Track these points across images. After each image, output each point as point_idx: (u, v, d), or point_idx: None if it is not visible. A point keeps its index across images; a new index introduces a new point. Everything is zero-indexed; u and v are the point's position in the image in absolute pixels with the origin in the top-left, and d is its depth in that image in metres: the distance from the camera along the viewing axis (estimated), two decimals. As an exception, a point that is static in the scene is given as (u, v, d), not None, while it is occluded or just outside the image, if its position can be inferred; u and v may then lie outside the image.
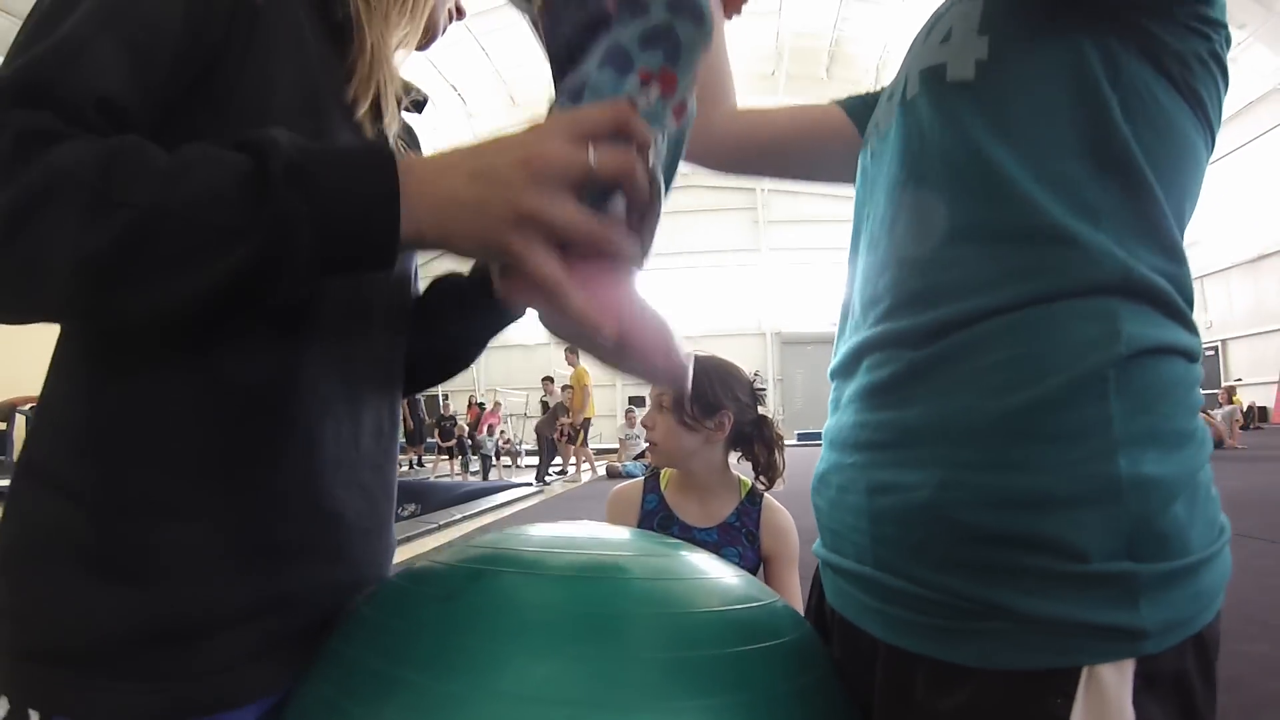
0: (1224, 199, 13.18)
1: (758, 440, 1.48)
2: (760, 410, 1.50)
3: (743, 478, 1.52)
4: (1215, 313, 14.04)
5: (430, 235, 0.41)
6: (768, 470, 1.50)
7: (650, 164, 0.43)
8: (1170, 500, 0.44)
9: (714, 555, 0.62)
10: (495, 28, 12.25)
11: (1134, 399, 0.44)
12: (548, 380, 10.71)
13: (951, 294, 0.48)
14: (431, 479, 10.44)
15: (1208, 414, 9.22)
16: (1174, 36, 0.47)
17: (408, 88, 0.64)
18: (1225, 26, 0.48)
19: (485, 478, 10.38)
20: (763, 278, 20.35)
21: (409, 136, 0.67)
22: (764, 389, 1.55)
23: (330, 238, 0.39)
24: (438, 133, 14.98)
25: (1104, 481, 0.43)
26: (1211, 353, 14.31)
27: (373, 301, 0.57)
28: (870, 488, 0.52)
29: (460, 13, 0.73)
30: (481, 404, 12.77)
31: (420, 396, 10.70)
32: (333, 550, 0.54)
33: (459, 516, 5.47)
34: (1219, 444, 9.04)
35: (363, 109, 0.54)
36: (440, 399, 13.56)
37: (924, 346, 0.49)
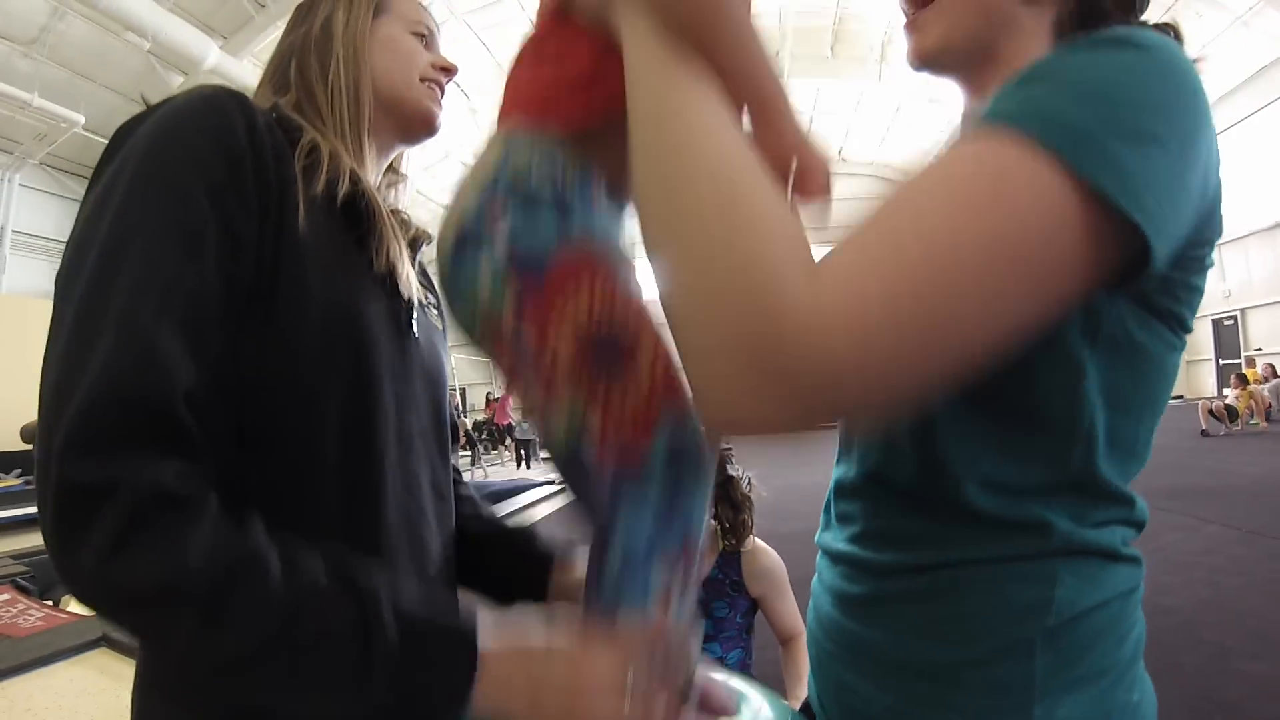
0: (1239, 166, 12.93)
1: (722, 500, 1.49)
2: (729, 471, 1.52)
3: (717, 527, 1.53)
4: (1233, 281, 13.81)
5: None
6: (735, 530, 1.51)
7: (682, 670, 0.48)
8: None
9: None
10: (496, 22, 12.20)
11: (1058, 657, 0.49)
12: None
13: (909, 542, 0.54)
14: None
15: (1248, 385, 9.01)
16: (1168, 274, 0.46)
17: (410, 230, 0.74)
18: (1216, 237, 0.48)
19: (528, 465, 10.45)
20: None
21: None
22: (730, 448, 1.55)
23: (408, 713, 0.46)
24: (441, 127, 14.92)
25: None
26: (1231, 322, 14.11)
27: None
28: (839, 683, 0.59)
29: (449, 71, 0.79)
30: (499, 398, 12.83)
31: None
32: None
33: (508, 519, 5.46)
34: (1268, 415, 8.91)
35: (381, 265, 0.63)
36: (459, 393, 13.64)
37: (885, 579, 0.55)
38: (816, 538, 0.66)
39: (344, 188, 0.60)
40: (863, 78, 14.15)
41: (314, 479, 0.54)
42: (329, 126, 0.67)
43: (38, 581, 4.32)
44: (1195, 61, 0.45)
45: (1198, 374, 15.34)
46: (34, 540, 5.02)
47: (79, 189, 11.82)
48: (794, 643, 1.56)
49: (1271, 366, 9.71)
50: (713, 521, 1.51)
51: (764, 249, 0.34)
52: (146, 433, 0.43)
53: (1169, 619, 2.66)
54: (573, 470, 0.49)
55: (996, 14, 0.56)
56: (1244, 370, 9.50)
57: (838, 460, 0.64)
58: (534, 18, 0.53)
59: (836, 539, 0.61)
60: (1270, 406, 8.87)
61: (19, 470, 9.51)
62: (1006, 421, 0.49)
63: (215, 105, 0.54)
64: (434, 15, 0.83)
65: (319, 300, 0.55)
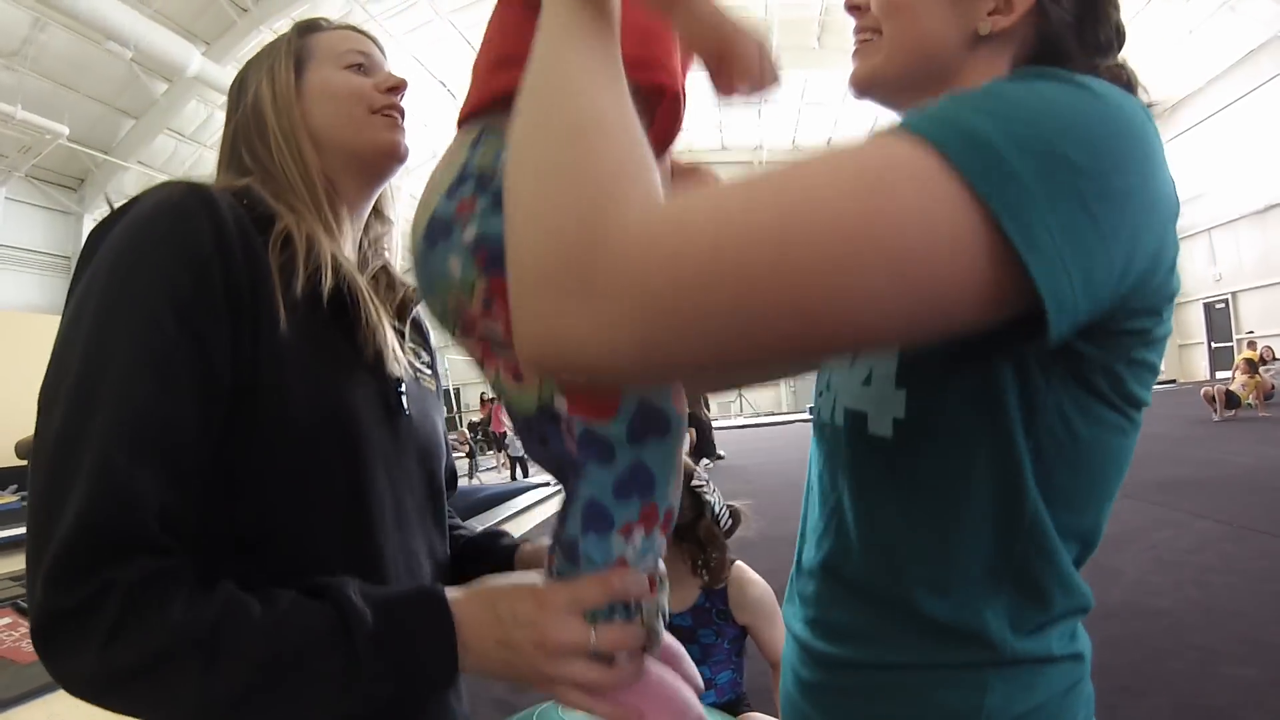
0: (1229, 150, 12.96)
1: (688, 539, 1.46)
2: (702, 501, 1.47)
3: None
4: (1224, 265, 13.87)
5: (475, 674, 0.53)
6: (708, 569, 1.48)
7: (648, 608, 0.52)
8: None
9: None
10: (480, 20, 12.08)
11: None
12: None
13: (853, 638, 0.55)
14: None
15: (1257, 373, 8.89)
16: (1104, 349, 0.45)
17: (399, 294, 0.74)
18: (1169, 305, 0.46)
19: (524, 474, 10.44)
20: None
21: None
22: (702, 485, 1.51)
23: (406, 691, 0.51)
24: (429, 129, 14.85)
25: None
26: (1222, 305, 14.17)
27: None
28: None
29: (398, 89, 0.74)
30: (494, 399, 12.81)
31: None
32: None
33: (479, 529, 5.47)
34: (1268, 398, 8.82)
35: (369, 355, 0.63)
36: (453, 393, 13.63)
37: (830, 671, 0.56)
38: (783, 607, 0.67)
39: (326, 281, 0.59)
40: (850, 68, 14.10)
41: (316, 574, 0.54)
42: (297, 199, 0.66)
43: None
44: (1149, 109, 0.44)
45: (1190, 357, 15.42)
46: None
47: (66, 200, 11.78)
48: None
49: (1270, 349, 9.68)
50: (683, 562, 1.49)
51: (609, 175, 0.34)
52: (121, 554, 0.46)
53: (1157, 622, 2.67)
54: (540, 432, 0.52)
55: (940, 54, 0.56)
56: (1245, 354, 9.33)
57: (800, 535, 0.65)
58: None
59: (795, 617, 0.62)
60: (1273, 389, 8.84)
61: (15, 486, 9.45)
62: (947, 515, 0.49)
63: (180, 213, 0.53)
64: (368, 38, 0.78)
65: (303, 401, 0.56)
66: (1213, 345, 14.62)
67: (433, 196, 0.49)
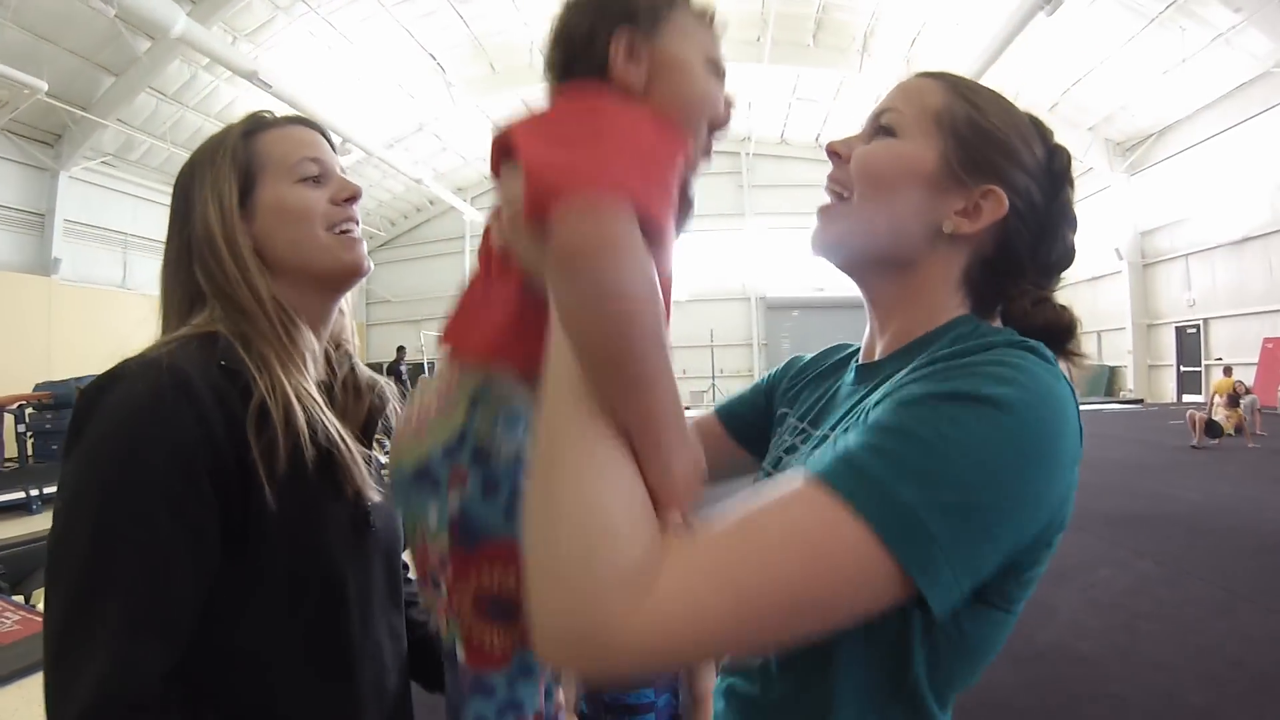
0: (1211, 179, 13.11)
1: None
2: None
3: None
4: (1199, 291, 14.09)
5: None
6: None
7: None
8: None
9: None
10: (422, 14, 12.03)
11: None
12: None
13: None
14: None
15: (1239, 404, 8.88)
16: (996, 581, 0.48)
17: (365, 400, 0.79)
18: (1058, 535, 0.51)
19: None
20: (748, 242, 20.29)
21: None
22: None
23: None
24: (416, 99, 14.63)
25: None
26: (1194, 330, 14.42)
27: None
28: None
29: (353, 199, 0.74)
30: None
31: (408, 379, 10.72)
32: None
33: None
34: (1238, 431, 8.70)
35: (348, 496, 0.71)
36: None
37: None
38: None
39: (307, 450, 0.65)
40: (844, 67, 14.04)
41: (292, 676, 0.66)
42: (259, 333, 0.68)
43: (8, 577, 4.22)
44: (1066, 379, 0.49)
45: (1159, 379, 15.70)
46: (4, 531, 4.95)
47: (42, 156, 11.49)
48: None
49: (1243, 383, 9.78)
50: None
51: (606, 581, 0.40)
52: (135, 714, 0.55)
53: (1080, 666, 2.76)
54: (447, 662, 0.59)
55: (903, 240, 0.58)
56: (1220, 385, 9.35)
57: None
58: (479, 253, 0.58)
59: (718, 690, 0.65)
60: (1242, 422, 8.94)
61: None
62: (840, 686, 0.53)
63: (165, 413, 0.59)
64: (318, 131, 0.77)
65: (285, 549, 0.64)
66: (1181, 369, 14.89)
67: (428, 439, 0.55)
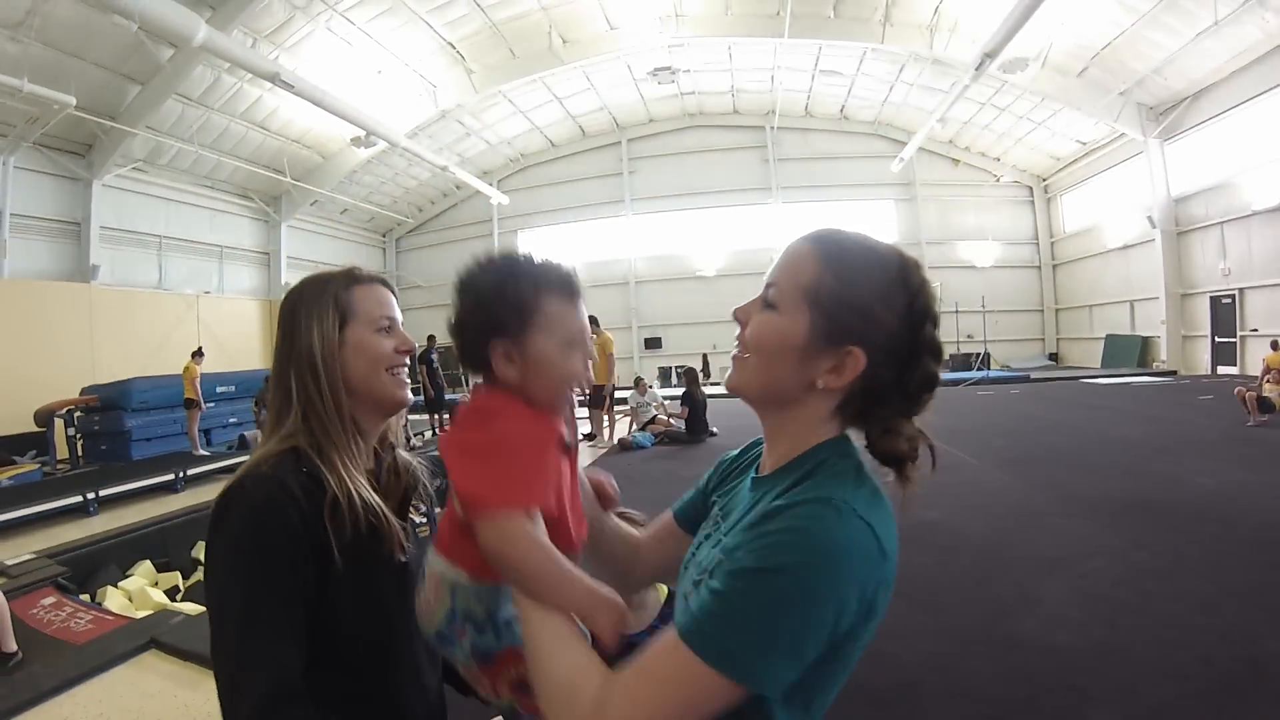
0: (1248, 144, 12.62)
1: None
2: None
3: (659, 586, 1.62)
4: (1234, 260, 13.65)
5: None
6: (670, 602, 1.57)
7: None
8: None
9: None
10: (439, 5, 12.26)
11: None
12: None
13: None
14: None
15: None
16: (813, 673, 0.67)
17: (403, 484, 1.09)
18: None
19: None
20: (774, 215, 20.34)
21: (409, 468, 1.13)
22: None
23: None
24: (437, 88, 14.74)
25: None
26: (1229, 300, 13.98)
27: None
28: None
29: (407, 352, 1.08)
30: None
31: (439, 365, 10.97)
32: None
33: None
34: (1270, 409, 8.33)
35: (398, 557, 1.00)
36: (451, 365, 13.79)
37: None
38: None
39: (363, 524, 0.93)
40: (865, 38, 13.76)
41: (360, 678, 0.96)
42: (332, 438, 0.97)
43: (74, 578, 4.44)
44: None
45: (1193, 350, 15.28)
46: (64, 534, 5.17)
47: (74, 166, 11.86)
48: None
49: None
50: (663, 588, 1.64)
51: (573, 707, 0.65)
52: (292, 699, 0.84)
53: (1052, 657, 2.78)
54: None
55: (786, 391, 0.76)
56: (1271, 359, 8.78)
57: None
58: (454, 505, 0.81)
59: None
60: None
61: (34, 452, 9.72)
62: None
63: (277, 506, 0.89)
64: (392, 293, 1.08)
65: (349, 599, 0.94)
66: (1216, 340, 14.47)
67: (437, 616, 0.82)
